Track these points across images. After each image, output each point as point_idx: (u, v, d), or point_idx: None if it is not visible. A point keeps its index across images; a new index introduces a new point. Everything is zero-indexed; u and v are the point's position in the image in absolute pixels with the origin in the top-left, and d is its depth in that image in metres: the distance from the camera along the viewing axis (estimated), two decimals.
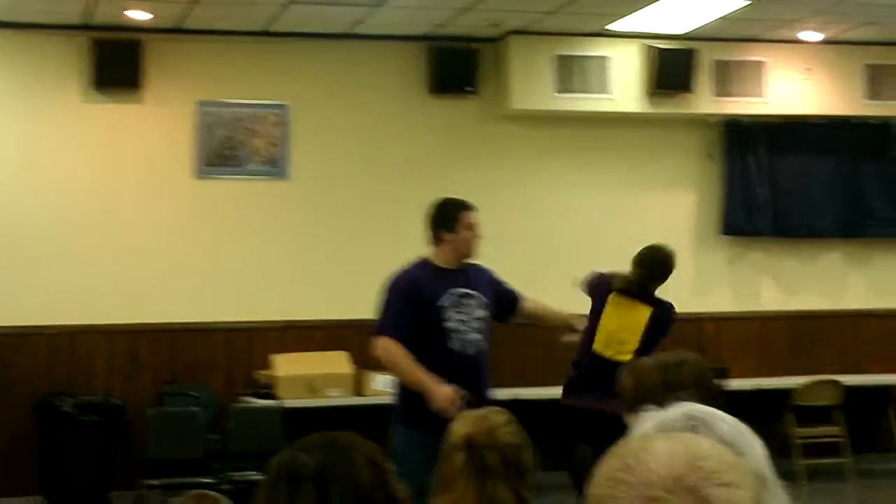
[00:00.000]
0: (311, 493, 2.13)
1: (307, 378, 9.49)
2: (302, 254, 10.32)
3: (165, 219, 10.11)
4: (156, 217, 10.08)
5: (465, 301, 6.44)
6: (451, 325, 6.35)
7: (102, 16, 9.65)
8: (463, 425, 3.53)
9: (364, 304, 10.23)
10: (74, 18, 9.71)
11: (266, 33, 10.22)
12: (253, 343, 10.05)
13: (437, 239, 6.56)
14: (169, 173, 10.13)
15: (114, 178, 9.99)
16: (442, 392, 6.12)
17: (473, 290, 6.49)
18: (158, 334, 9.98)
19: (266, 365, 9.78)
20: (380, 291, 6.48)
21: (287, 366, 9.60)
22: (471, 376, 6.29)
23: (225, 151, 10.27)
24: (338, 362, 9.76)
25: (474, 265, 6.65)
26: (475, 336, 6.40)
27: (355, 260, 10.37)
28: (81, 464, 9.33)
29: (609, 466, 1.34)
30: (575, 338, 7.00)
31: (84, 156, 9.96)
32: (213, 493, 3.76)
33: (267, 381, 9.63)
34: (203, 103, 10.21)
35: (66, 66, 9.92)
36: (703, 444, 1.37)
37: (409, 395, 6.30)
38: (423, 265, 6.54)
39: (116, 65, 9.93)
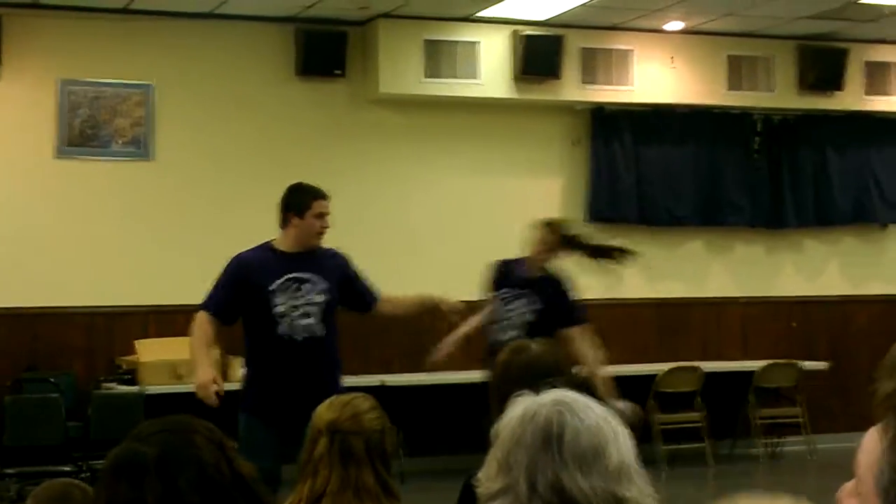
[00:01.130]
0: (156, 484, 2.07)
1: (171, 363, 9.35)
2: (166, 237, 10.17)
3: (25, 200, 9.88)
4: (15, 198, 9.85)
5: (299, 286, 6.35)
6: (279, 309, 6.26)
7: None
8: (327, 411, 3.51)
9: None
10: None
11: (131, 11, 10.03)
12: (115, 328, 9.88)
13: (284, 222, 6.52)
14: (28, 153, 9.91)
15: None
16: (200, 376, 6.16)
17: (314, 274, 6.39)
18: (17, 319, 9.77)
19: (129, 350, 9.63)
20: None
21: (150, 351, 9.46)
22: (300, 361, 6.22)
23: (87, 131, 10.08)
24: None
25: (326, 250, 6.57)
26: (306, 321, 6.29)
27: (220, 243, 10.22)
28: None
29: None
30: (453, 306, 6.99)
31: None
32: (79, 483, 3.69)
33: (129, 367, 9.49)
34: (65, 82, 10.00)
35: None
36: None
37: (253, 384, 6.27)
38: (264, 248, 6.51)
39: None
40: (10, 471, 8.53)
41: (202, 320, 6.36)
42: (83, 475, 7.68)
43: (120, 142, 10.17)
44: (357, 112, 10.76)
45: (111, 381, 9.45)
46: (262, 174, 10.41)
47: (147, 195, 10.18)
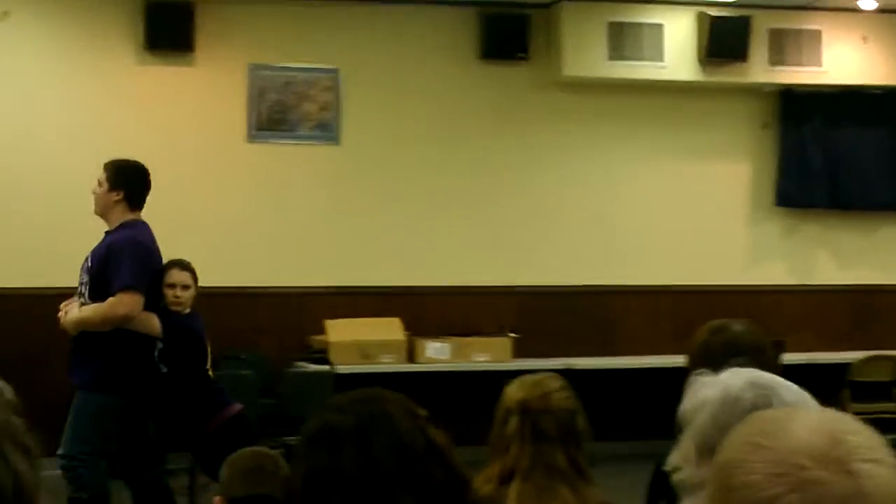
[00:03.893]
0: (353, 449, 2.11)
1: (360, 344, 9.49)
2: (353, 219, 10.30)
3: (218, 183, 10.11)
4: (209, 181, 10.08)
5: (85, 263, 6.52)
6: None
7: None
8: (517, 390, 3.52)
9: (417, 270, 10.32)
10: None
11: None
12: (306, 308, 10.05)
13: None
14: (222, 137, 10.13)
15: (167, 141, 9.99)
16: None
17: (91, 254, 6.51)
18: (212, 298, 9.99)
19: (319, 330, 9.79)
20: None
21: (340, 331, 9.60)
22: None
23: (276, 116, 10.27)
24: (391, 328, 9.76)
25: (114, 232, 6.55)
26: (80, 300, 6.46)
27: (406, 225, 10.37)
28: (138, 427, 9.37)
29: (745, 432, 1.31)
30: None
31: (137, 118, 9.97)
32: (271, 452, 3.78)
33: (320, 347, 9.64)
34: (255, 67, 10.19)
35: (120, 28, 9.91)
36: (848, 420, 1.34)
37: (110, 360, 6.32)
38: None
39: (169, 27, 9.92)
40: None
41: None
42: (279, 450, 7.82)
43: (308, 126, 10.34)
44: (539, 95, 10.73)
45: (302, 360, 9.61)
46: (445, 157, 10.50)
47: (334, 178, 10.33)
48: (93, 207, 6.56)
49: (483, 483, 3.38)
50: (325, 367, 9.25)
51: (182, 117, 10.04)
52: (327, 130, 10.36)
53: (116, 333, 6.25)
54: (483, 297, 10.37)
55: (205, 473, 6.80)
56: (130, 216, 6.49)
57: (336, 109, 10.35)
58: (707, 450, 2.13)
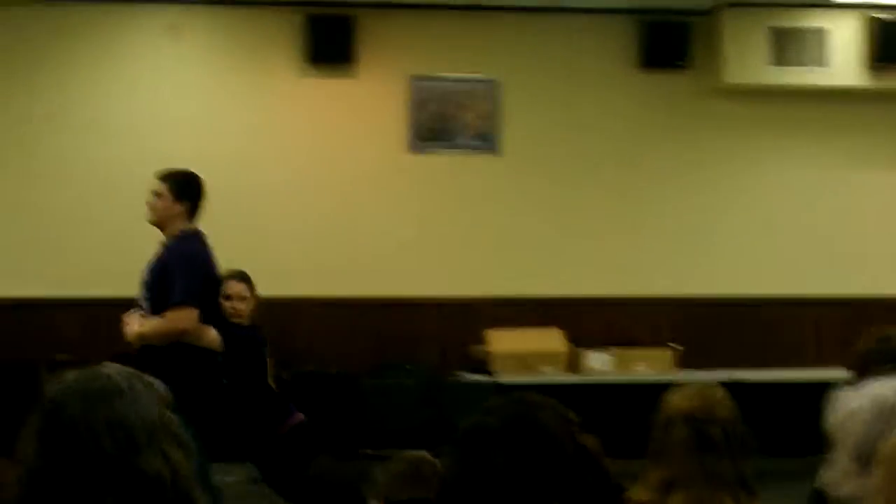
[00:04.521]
0: (502, 453, 2.15)
1: (521, 354, 9.50)
2: (514, 228, 10.33)
3: (379, 193, 10.22)
4: (372, 191, 10.20)
5: (144, 274, 6.46)
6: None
7: None
8: (681, 399, 3.47)
9: (578, 280, 10.29)
10: None
11: (476, 7, 10.24)
12: (467, 318, 10.09)
13: None
14: (383, 148, 10.24)
15: (329, 152, 10.16)
16: None
17: (149, 265, 6.46)
18: (374, 307, 10.12)
19: (480, 340, 9.82)
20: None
21: (501, 342, 9.62)
22: None
23: (436, 126, 10.34)
24: (552, 339, 9.74)
25: (173, 243, 6.46)
26: (140, 311, 6.40)
27: (567, 234, 10.35)
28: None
29: None
30: None
31: (299, 130, 10.15)
32: (428, 458, 3.81)
33: (481, 357, 9.67)
34: (415, 78, 10.29)
35: (283, 41, 10.10)
36: None
37: (170, 374, 6.31)
38: None
39: (330, 40, 10.07)
40: (369, 452, 8.85)
41: None
42: (437, 460, 7.87)
43: (468, 136, 10.39)
44: (700, 103, 10.61)
45: (464, 371, 9.65)
46: (605, 166, 10.46)
47: (494, 188, 10.36)
48: (148, 216, 6.55)
49: (642, 491, 3.36)
50: (486, 378, 9.27)
51: (343, 129, 10.18)
52: (487, 140, 10.39)
53: (177, 347, 6.25)
54: (644, 307, 10.29)
55: (267, 483, 6.81)
56: (189, 226, 6.57)
57: (495, 119, 10.39)
58: (866, 460, 2.08)
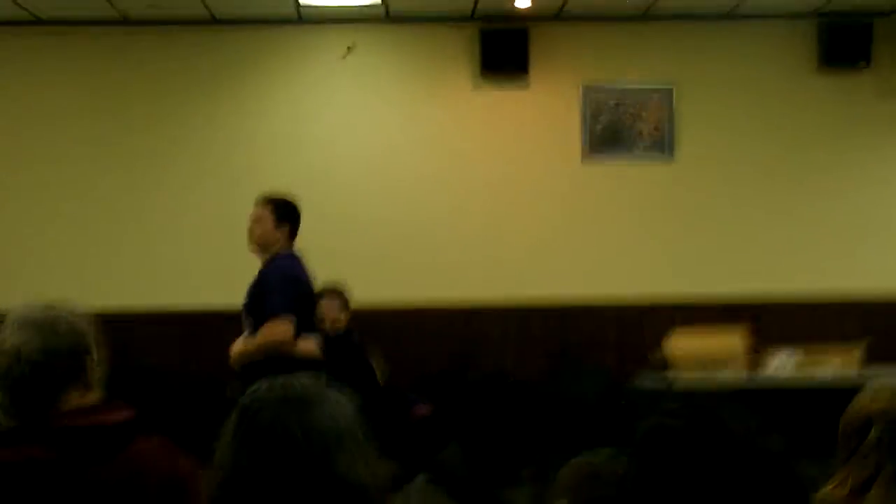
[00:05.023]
0: (684, 452, 2.14)
1: (703, 356, 9.40)
2: (691, 233, 10.25)
3: (555, 202, 10.24)
4: (546, 201, 10.23)
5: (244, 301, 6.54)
6: None
7: (489, 6, 9.91)
8: (874, 400, 3.40)
9: (759, 281, 10.15)
10: (463, 10, 10.01)
11: (649, 16, 10.20)
12: (647, 321, 10.05)
13: None
14: (557, 158, 10.27)
15: (503, 162, 10.22)
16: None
17: (249, 287, 6.54)
18: (549, 312, 10.15)
19: (660, 343, 9.76)
20: None
21: (682, 344, 9.53)
22: None
23: (610, 135, 10.32)
24: (734, 340, 9.60)
25: (269, 263, 6.58)
26: (245, 331, 6.47)
27: (743, 240, 10.23)
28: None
29: None
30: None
31: (473, 142, 10.24)
32: (608, 462, 3.81)
33: (662, 359, 9.61)
34: (588, 88, 10.28)
35: (457, 54, 10.22)
36: None
37: None
38: None
39: (503, 52, 10.15)
40: (551, 455, 8.86)
41: None
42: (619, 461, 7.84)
43: (642, 144, 10.35)
44: (883, 104, 10.37)
45: (644, 373, 9.59)
46: (784, 170, 10.31)
47: (669, 195, 10.30)
48: (250, 240, 6.68)
49: (832, 493, 3.31)
50: (667, 380, 9.20)
51: (517, 140, 10.24)
52: (661, 148, 10.33)
53: (280, 362, 6.26)
54: (829, 306, 10.09)
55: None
56: (288, 249, 6.64)
57: (670, 127, 10.32)
58: None
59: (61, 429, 2.76)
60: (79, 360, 2.87)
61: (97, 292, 9.40)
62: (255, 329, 6.45)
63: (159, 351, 9.81)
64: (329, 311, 6.88)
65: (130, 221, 10.09)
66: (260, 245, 6.56)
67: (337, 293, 6.96)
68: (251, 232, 6.58)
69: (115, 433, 2.81)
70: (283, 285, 6.46)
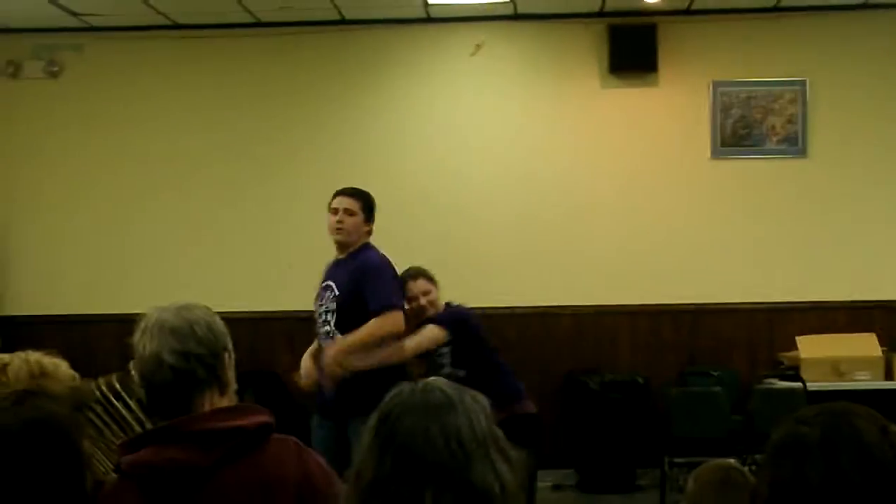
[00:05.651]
0: (819, 462, 2.10)
1: (833, 360, 9.26)
2: (822, 233, 10.08)
3: (684, 200, 10.16)
4: (674, 199, 10.15)
5: (324, 293, 6.45)
6: (315, 315, 6.53)
7: (618, 2, 9.87)
8: None
9: (890, 284, 9.95)
10: (592, 6, 9.98)
11: (777, 9, 10.06)
12: (774, 323, 9.93)
13: None
14: (686, 155, 10.18)
15: (632, 160, 10.16)
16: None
17: (335, 280, 6.41)
18: (679, 315, 10.08)
19: (790, 346, 9.64)
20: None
21: (811, 347, 9.41)
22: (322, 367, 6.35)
23: (740, 131, 10.21)
24: (865, 344, 9.44)
25: (358, 254, 6.46)
26: (324, 328, 6.41)
27: (878, 237, 10.03)
28: (608, 440, 9.60)
29: None
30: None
31: (602, 141, 10.20)
32: (739, 466, 3.79)
33: (791, 363, 9.50)
34: (717, 84, 10.18)
35: (585, 52, 10.19)
36: None
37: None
38: None
39: (632, 49, 10.09)
40: (678, 460, 8.82)
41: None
42: (747, 467, 7.77)
43: (774, 140, 10.22)
44: None
45: (773, 377, 9.50)
46: None
47: (802, 192, 10.14)
48: (338, 234, 6.56)
49: None
50: (797, 384, 9.09)
51: (646, 137, 10.17)
52: (794, 143, 10.19)
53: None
54: None
55: None
56: (368, 241, 6.66)
57: (802, 122, 10.17)
58: None
59: (202, 431, 2.83)
60: (217, 362, 2.93)
61: (234, 294, 9.60)
62: (343, 324, 6.43)
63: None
64: (419, 287, 6.84)
65: (263, 224, 10.24)
66: (348, 241, 6.58)
67: (422, 272, 6.94)
68: (342, 223, 6.58)
69: (254, 436, 2.86)
70: (388, 275, 6.50)
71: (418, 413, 2.14)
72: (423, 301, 6.72)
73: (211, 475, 2.80)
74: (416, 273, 6.80)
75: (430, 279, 6.81)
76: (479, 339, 6.71)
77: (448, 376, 5.93)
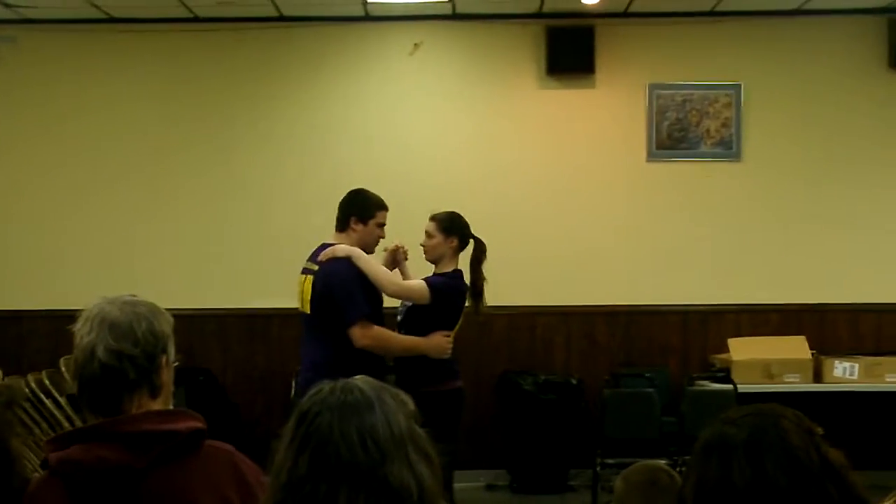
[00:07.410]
0: (744, 463, 2.13)
1: (763, 362, 9.35)
2: (755, 236, 10.17)
3: (619, 202, 10.21)
4: (610, 200, 10.21)
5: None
6: None
7: (556, 4, 9.91)
8: None
9: (823, 287, 10.05)
10: (530, 7, 10.01)
11: (715, 13, 10.14)
12: (707, 325, 10.02)
13: (343, 225, 6.65)
14: (623, 157, 10.23)
15: (568, 161, 10.20)
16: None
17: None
18: (613, 316, 10.13)
19: (722, 348, 9.72)
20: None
21: (743, 349, 9.49)
22: None
23: (676, 134, 10.28)
24: (796, 347, 9.55)
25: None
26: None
27: (811, 241, 10.14)
28: (541, 441, 9.63)
29: None
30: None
31: (538, 142, 10.23)
32: (667, 468, 3.82)
33: (723, 365, 9.58)
34: (654, 86, 10.25)
35: (523, 53, 10.21)
36: None
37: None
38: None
39: (570, 51, 10.13)
40: (610, 461, 8.86)
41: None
42: (678, 469, 7.83)
43: (708, 143, 10.29)
44: None
45: (704, 379, 9.57)
46: (850, 170, 10.19)
47: (735, 195, 10.23)
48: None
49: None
50: (728, 386, 9.17)
51: (582, 139, 10.22)
52: (728, 147, 10.27)
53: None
54: (893, 313, 10.00)
55: None
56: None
57: (737, 125, 10.26)
58: None
59: (132, 433, 2.78)
60: (152, 363, 2.87)
61: (168, 291, 9.53)
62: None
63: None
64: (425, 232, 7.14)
65: (199, 220, 10.18)
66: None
67: (434, 217, 7.13)
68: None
69: (186, 441, 2.82)
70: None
71: (335, 412, 2.14)
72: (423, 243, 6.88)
73: (141, 478, 2.75)
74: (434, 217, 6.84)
75: (441, 226, 6.89)
76: (447, 317, 6.78)
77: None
